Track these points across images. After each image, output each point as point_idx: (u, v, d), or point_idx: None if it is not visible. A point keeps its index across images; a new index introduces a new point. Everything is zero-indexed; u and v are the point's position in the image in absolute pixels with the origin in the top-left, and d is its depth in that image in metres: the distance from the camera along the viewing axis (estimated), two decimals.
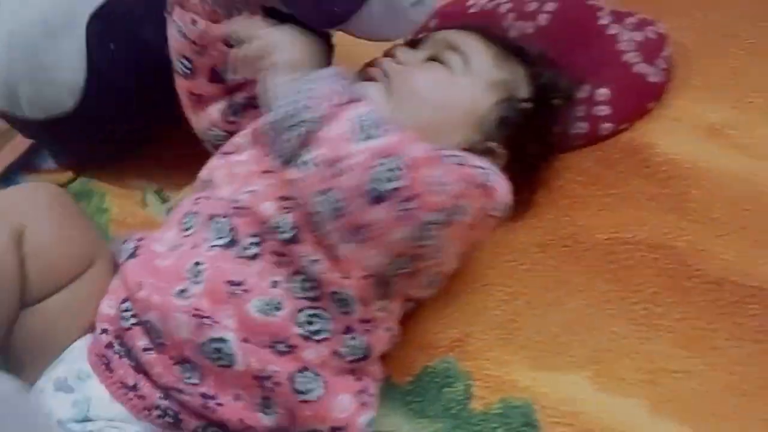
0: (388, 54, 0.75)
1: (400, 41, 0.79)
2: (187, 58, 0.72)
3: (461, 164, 0.59)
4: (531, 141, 0.74)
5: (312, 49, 0.67)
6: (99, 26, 0.84)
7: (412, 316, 0.72)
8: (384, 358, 0.67)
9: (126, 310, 0.60)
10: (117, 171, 0.96)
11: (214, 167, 0.70)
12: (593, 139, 0.85)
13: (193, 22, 0.69)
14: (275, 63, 0.64)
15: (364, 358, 0.61)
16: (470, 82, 0.72)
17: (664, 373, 0.65)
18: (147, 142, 0.95)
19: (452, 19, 0.92)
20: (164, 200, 0.91)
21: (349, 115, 0.56)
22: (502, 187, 0.63)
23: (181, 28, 0.70)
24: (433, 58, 0.73)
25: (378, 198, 0.54)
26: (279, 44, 0.65)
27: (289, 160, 0.57)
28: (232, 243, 0.61)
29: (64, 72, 0.85)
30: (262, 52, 0.65)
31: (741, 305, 0.69)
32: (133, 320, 0.60)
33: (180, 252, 0.62)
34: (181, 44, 0.71)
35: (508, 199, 0.64)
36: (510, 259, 0.76)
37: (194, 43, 0.70)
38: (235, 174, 0.66)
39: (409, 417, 0.66)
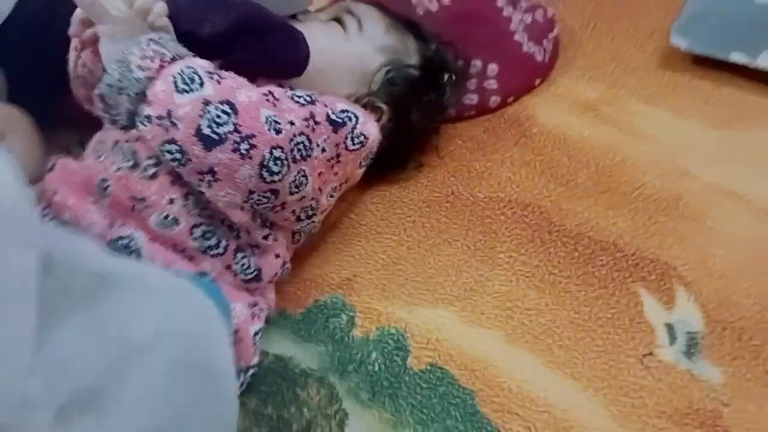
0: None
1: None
2: None
3: (303, 104, 0.67)
4: (414, 106, 0.83)
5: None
6: None
7: (308, 257, 0.82)
8: (280, 292, 0.77)
9: (45, 215, 0.67)
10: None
11: None
12: (483, 110, 0.95)
13: None
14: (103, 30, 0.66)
15: (256, 279, 0.71)
16: (362, 42, 0.81)
17: (519, 310, 0.76)
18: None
19: None
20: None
21: (171, 71, 0.62)
22: (361, 123, 0.72)
23: None
24: (333, 20, 0.82)
25: (214, 142, 0.60)
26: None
27: (131, 121, 0.64)
28: (135, 165, 0.68)
29: None
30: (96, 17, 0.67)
31: (592, 257, 0.80)
32: (51, 224, 0.66)
33: (90, 169, 0.70)
34: None
35: (371, 135, 0.73)
36: (399, 213, 0.86)
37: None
38: None
39: (297, 342, 0.75)
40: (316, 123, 0.68)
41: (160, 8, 0.66)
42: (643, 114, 0.94)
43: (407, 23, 0.86)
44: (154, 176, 0.67)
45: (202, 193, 0.65)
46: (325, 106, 0.70)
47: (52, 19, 0.76)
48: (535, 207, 0.85)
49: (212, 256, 0.68)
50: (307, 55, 0.75)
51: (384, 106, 0.79)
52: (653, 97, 0.96)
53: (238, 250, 0.69)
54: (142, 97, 0.62)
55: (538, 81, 0.99)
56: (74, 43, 0.74)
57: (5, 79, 0.84)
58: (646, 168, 0.87)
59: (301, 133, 0.66)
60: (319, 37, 0.78)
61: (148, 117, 0.62)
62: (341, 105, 0.72)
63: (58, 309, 0.48)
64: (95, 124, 0.75)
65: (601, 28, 1.06)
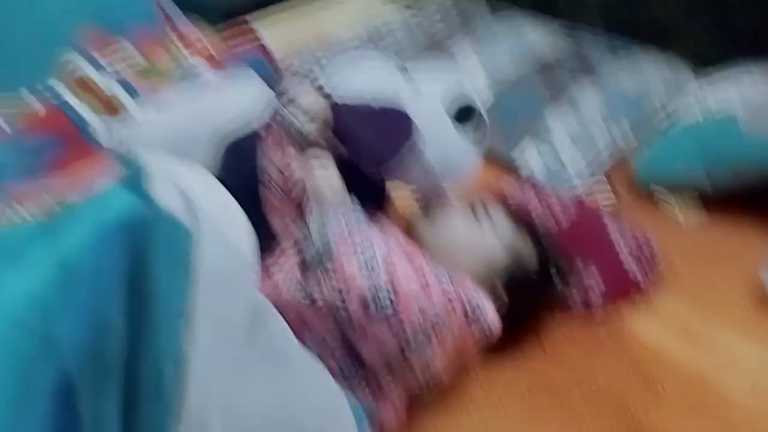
0: None
1: None
2: None
3: (448, 291, 0.81)
4: (527, 298, 0.97)
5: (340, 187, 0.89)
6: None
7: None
8: None
9: None
10: None
11: None
12: (585, 314, 1.07)
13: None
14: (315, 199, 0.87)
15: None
16: (493, 239, 0.97)
17: None
18: None
19: None
20: None
21: (355, 250, 0.78)
22: (488, 315, 0.85)
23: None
24: (470, 209, 0.99)
25: (373, 316, 0.76)
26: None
27: (312, 263, 0.81)
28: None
29: None
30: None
31: None
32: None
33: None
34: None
35: (494, 327, 0.86)
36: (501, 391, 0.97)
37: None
38: None
39: None
40: (458, 312, 0.82)
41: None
42: (733, 345, 1.03)
43: (528, 225, 1.02)
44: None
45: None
46: (461, 295, 0.83)
47: None
48: (625, 407, 0.93)
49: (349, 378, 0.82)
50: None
51: (506, 299, 0.93)
52: (745, 331, 1.05)
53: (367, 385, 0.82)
54: (328, 257, 0.79)
55: (637, 297, 1.10)
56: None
57: None
58: (735, 397, 0.94)
59: (440, 319, 0.80)
60: (458, 224, 0.96)
61: (329, 277, 0.78)
62: (474, 295, 0.85)
63: (250, 361, 0.60)
64: None
65: (700, 265, 1.17)
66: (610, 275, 1.09)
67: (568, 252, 1.05)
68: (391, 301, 0.76)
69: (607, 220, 1.19)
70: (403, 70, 1.01)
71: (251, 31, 1.64)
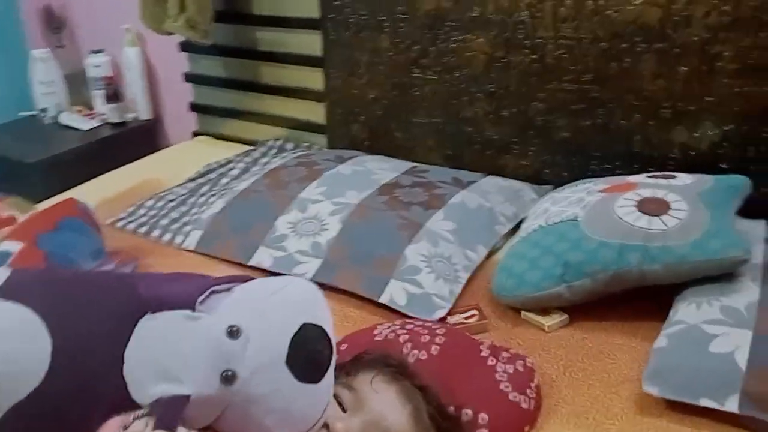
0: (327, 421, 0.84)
1: None
2: None
3: None
4: None
5: None
6: None
7: None
8: None
9: None
10: None
11: None
12: None
13: None
14: None
15: None
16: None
17: None
18: None
19: (360, 345, 1.09)
20: None
21: None
22: None
23: None
24: None
25: None
26: None
27: None
28: None
29: None
30: None
31: None
32: None
33: None
34: None
35: None
36: None
37: None
38: None
39: None
40: None
41: None
42: None
43: (408, 376, 0.93)
44: None
45: None
46: None
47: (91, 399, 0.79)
48: None
49: None
50: None
51: None
52: None
53: None
54: None
55: (527, 428, 1.03)
56: None
57: None
58: None
59: None
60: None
61: None
62: None
63: None
64: None
65: (577, 375, 1.15)
66: (498, 416, 1.00)
67: (450, 396, 0.96)
68: None
69: (478, 342, 1.13)
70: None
71: (71, 200, 1.51)
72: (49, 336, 0.82)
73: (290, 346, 0.77)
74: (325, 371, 0.80)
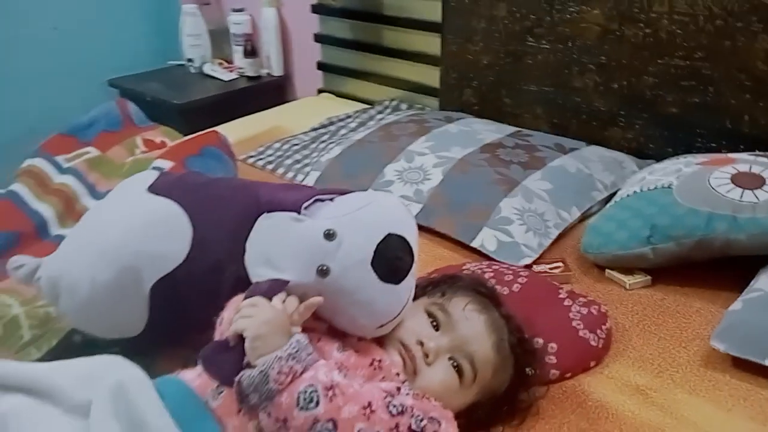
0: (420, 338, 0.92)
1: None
2: None
3: (394, 414, 0.78)
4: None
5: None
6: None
7: None
8: None
9: None
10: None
11: None
12: (543, 382, 1.08)
13: None
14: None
15: None
16: (473, 392, 0.94)
17: None
18: None
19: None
20: None
21: (297, 388, 0.75)
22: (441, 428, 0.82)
23: None
24: (452, 359, 0.92)
25: None
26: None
27: (253, 409, 0.77)
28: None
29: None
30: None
31: None
32: None
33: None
34: None
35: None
36: None
37: None
38: None
39: None
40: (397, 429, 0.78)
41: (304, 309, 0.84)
42: (686, 403, 1.05)
43: (492, 299, 1.02)
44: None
45: None
46: (412, 416, 0.79)
47: (220, 278, 0.98)
48: None
49: None
50: None
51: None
52: (696, 390, 1.07)
53: None
54: (270, 397, 0.76)
55: (592, 363, 1.12)
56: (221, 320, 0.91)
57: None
58: None
59: None
60: (437, 386, 0.90)
61: (269, 414, 0.76)
62: (431, 410, 0.82)
63: None
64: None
65: (650, 329, 1.22)
66: (567, 348, 1.10)
67: (527, 327, 1.04)
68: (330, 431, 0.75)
69: (558, 286, 1.22)
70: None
71: (214, 132, 1.72)
72: (190, 225, 1.01)
73: (375, 251, 0.90)
74: (405, 276, 0.92)
